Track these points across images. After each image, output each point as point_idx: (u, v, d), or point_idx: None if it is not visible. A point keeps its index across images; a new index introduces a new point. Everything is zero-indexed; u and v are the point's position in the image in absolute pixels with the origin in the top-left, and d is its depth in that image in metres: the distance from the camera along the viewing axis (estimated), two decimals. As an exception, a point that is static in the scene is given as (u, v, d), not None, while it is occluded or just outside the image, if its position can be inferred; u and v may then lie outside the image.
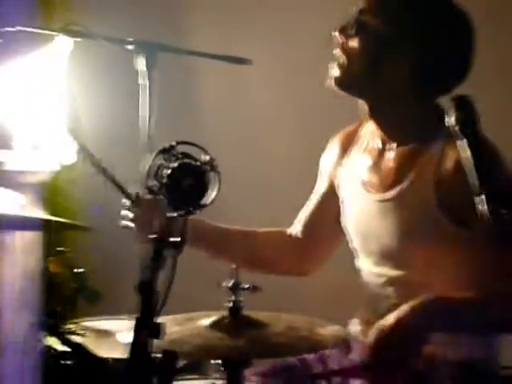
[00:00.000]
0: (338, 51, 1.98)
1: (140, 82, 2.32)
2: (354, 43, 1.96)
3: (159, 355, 1.44)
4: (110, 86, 2.81)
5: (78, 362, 1.80)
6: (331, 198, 2.15)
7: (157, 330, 1.43)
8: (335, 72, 1.98)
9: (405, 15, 1.95)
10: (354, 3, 1.98)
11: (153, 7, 3.02)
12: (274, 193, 2.92)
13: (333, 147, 2.17)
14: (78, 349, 1.83)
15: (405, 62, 1.94)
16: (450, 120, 1.44)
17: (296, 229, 2.22)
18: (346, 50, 1.97)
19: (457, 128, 1.43)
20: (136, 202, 2.05)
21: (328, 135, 2.21)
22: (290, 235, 2.23)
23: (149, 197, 2.02)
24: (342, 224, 2.10)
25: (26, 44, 2.49)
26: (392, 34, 1.93)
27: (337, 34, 1.98)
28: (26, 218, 1.97)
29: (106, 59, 2.61)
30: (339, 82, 1.98)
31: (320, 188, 2.19)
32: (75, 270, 2.03)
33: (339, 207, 2.12)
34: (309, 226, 2.20)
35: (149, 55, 2.32)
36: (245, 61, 2.45)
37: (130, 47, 2.35)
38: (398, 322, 1.80)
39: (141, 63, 2.34)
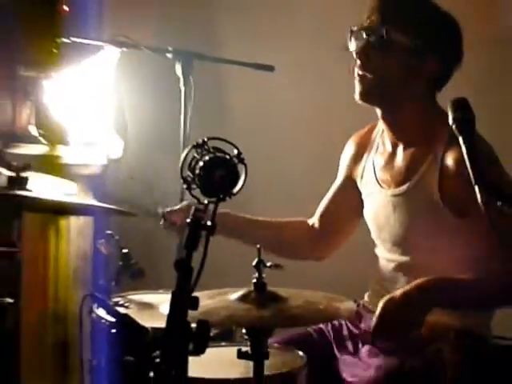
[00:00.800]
0: (359, 69, 1.92)
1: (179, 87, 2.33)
2: (378, 59, 1.90)
3: (194, 324, 1.44)
4: (153, 90, 2.81)
5: (123, 330, 1.81)
6: (346, 192, 2.14)
7: (194, 303, 1.43)
8: (359, 88, 1.93)
9: (425, 28, 1.91)
10: (371, 12, 1.92)
11: (190, 21, 3.02)
12: (294, 184, 2.91)
13: (349, 147, 2.16)
14: (123, 319, 1.83)
15: (423, 69, 1.91)
16: (448, 119, 1.44)
17: (314, 219, 2.21)
18: (369, 67, 1.91)
19: (454, 126, 1.43)
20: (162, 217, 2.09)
21: (344, 134, 2.18)
22: (308, 225, 2.21)
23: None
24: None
25: (78, 53, 2.51)
26: (416, 46, 1.89)
27: (355, 55, 1.92)
28: (80, 204, 1.97)
29: (149, 66, 2.62)
30: (364, 96, 1.93)
31: (336, 183, 2.18)
32: (121, 251, 2.03)
33: (354, 200, 2.11)
34: (324, 216, 2.18)
35: (185, 63, 2.32)
36: (268, 67, 2.44)
37: (169, 55, 2.36)
38: (405, 296, 1.80)
39: (179, 70, 2.34)
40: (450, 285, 1.84)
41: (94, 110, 2.64)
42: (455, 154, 1.85)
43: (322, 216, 2.19)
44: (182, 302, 1.43)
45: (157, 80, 2.65)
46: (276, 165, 2.93)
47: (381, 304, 1.81)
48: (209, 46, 2.75)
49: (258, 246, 1.66)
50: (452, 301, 1.84)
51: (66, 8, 2.71)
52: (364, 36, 1.91)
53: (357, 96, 1.94)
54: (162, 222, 2.09)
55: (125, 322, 1.81)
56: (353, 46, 1.93)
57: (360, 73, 1.92)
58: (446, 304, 1.84)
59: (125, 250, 2.02)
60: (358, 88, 1.93)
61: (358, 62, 1.92)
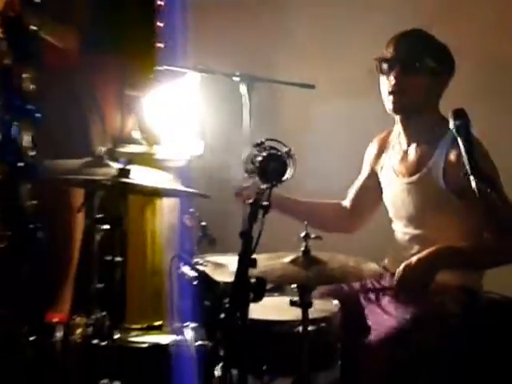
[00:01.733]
0: (393, 88, 1.91)
1: (243, 102, 2.33)
2: (410, 80, 1.89)
3: (254, 280, 1.45)
4: (224, 104, 2.82)
5: (202, 283, 1.83)
6: (370, 181, 2.14)
7: (254, 263, 1.44)
8: (392, 102, 1.92)
9: (443, 55, 1.94)
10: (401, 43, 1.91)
11: (251, 52, 3.02)
12: (330, 174, 2.87)
13: (372, 147, 2.16)
14: (201, 274, 1.85)
15: (439, 86, 1.94)
16: (449, 124, 1.44)
17: (345, 201, 2.21)
18: (401, 87, 1.90)
19: (454, 130, 1.43)
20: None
21: (367, 137, 2.17)
22: (342, 205, 2.22)
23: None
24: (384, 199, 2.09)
25: (169, 77, 2.54)
26: (437, 69, 1.91)
27: (390, 76, 1.91)
28: (170, 189, 2.00)
29: (221, 86, 2.62)
30: (396, 109, 1.93)
31: (362, 174, 2.18)
32: (201, 224, 2.05)
33: (376, 187, 2.10)
34: (353, 200, 2.18)
35: (249, 84, 2.33)
36: (309, 86, 2.42)
37: (236, 79, 2.37)
38: (419, 261, 1.81)
39: (243, 89, 2.35)
40: (454, 251, 1.84)
41: (180, 119, 2.67)
42: (456, 151, 1.85)
43: (351, 199, 2.19)
44: (245, 262, 1.44)
45: (227, 96, 2.66)
46: (317, 159, 2.90)
47: (400, 269, 1.81)
48: (265, 69, 2.73)
49: (306, 222, 1.66)
50: (456, 263, 1.84)
51: (160, 45, 2.76)
52: (397, 63, 1.90)
53: (390, 110, 1.94)
54: (236, 196, 2.10)
55: (203, 276, 1.83)
56: (387, 69, 1.93)
57: (393, 90, 1.92)
58: (450, 266, 1.84)
59: (203, 223, 2.04)
60: (391, 103, 1.93)
61: (393, 81, 1.91)
